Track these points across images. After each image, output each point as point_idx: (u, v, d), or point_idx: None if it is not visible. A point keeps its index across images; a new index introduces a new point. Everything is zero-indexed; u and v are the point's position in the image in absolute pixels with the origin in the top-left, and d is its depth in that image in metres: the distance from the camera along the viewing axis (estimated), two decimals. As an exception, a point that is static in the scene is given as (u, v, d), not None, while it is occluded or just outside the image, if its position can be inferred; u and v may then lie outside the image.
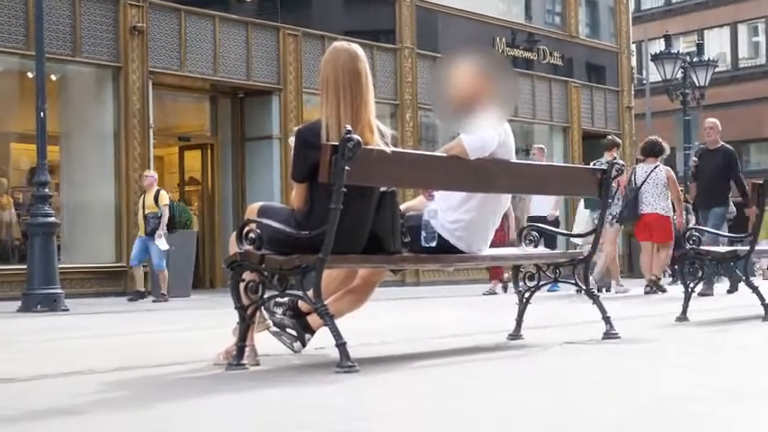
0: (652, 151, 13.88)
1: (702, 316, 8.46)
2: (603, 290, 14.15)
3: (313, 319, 5.52)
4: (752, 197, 8.42)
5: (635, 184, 13.74)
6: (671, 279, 19.19)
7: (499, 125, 5.87)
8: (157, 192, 15.40)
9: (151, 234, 15.11)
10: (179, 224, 15.83)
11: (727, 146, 14.04)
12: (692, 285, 8.32)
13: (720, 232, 12.13)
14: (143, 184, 15.81)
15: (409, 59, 21.59)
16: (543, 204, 15.62)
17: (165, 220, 15.20)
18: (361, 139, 4.83)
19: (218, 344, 5.46)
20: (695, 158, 14.32)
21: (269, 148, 19.17)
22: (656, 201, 13.72)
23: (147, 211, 15.25)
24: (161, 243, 15.06)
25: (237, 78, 18.72)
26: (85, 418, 3.69)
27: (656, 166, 13.80)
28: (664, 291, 13.86)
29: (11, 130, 17.27)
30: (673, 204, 13.95)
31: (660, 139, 14.17)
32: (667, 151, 14.06)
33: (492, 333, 6.93)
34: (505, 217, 12.92)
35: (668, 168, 14.18)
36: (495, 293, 14.96)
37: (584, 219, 15.05)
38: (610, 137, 16.05)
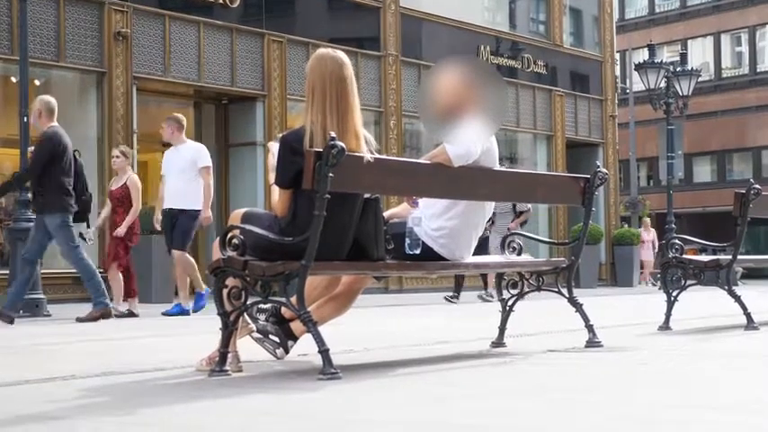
0: None
1: (685, 325, 8.49)
2: None
3: (296, 326, 5.52)
4: (735, 207, 8.43)
5: None
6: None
7: (489, 134, 5.87)
8: None
9: None
10: None
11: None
12: (674, 294, 8.37)
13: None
14: None
15: (393, 67, 21.61)
16: None
17: None
18: (345, 146, 4.83)
19: (200, 350, 5.45)
20: None
21: (253, 154, 19.14)
22: None
23: None
24: None
25: (222, 84, 18.69)
26: (67, 424, 3.68)
27: None
28: None
29: (-6, 135, 17.22)
30: None
31: None
32: None
33: (475, 341, 6.94)
34: None
35: None
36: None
37: None
38: None
